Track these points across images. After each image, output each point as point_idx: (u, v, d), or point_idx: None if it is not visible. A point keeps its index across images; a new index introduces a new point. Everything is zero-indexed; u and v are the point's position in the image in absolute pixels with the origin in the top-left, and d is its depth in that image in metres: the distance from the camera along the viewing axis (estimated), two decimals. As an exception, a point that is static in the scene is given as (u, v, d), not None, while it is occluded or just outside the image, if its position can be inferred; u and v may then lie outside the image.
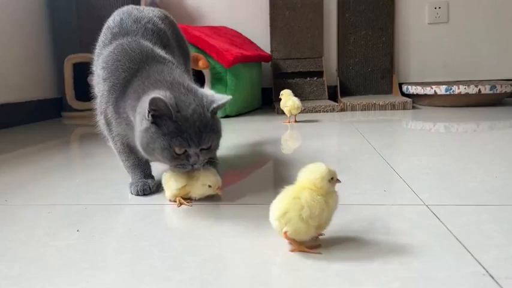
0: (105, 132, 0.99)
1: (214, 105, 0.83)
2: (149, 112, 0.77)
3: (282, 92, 1.98)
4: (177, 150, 0.79)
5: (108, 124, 0.95)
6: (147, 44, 0.94)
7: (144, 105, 0.79)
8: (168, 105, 0.76)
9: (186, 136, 0.78)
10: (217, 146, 0.86)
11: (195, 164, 0.81)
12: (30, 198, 0.98)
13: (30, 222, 0.81)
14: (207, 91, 0.88)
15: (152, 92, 0.79)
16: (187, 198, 0.87)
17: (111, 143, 0.99)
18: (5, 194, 1.01)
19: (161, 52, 0.94)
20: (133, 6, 1.12)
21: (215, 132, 0.83)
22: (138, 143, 0.83)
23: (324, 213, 0.61)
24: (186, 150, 0.80)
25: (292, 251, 0.63)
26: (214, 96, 0.85)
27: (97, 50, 1.05)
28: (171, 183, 0.86)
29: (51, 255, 0.66)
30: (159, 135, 0.78)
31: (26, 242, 0.72)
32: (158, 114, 0.78)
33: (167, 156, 0.79)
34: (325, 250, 0.63)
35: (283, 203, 0.62)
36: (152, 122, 0.78)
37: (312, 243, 0.64)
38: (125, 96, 0.87)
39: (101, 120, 0.98)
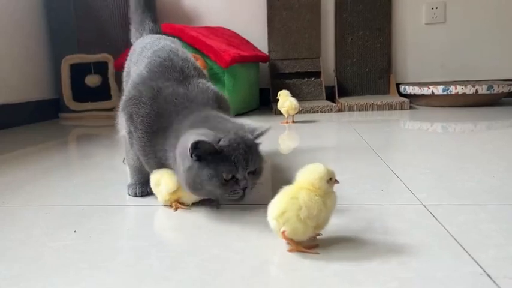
0: (125, 140, 0.96)
1: (257, 131, 0.82)
2: (192, 153, 0.75)
3: (279, 93, 1.98)
4: (225, 176, 0.75)
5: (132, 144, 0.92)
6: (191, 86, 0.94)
7: (185, 145, 0.77)
8: (210, 143, 0.74)
9: (233, 159, 0.76)
10: (262, 170, 0.83)
11: (246, 187, 0.78)
12: (28, 198, 0.97)
13: (28, 223, 0.81)
14: (244, 121, 0.87)
15: (191, 133, 0.77)
16: (180, 203, 0.86)
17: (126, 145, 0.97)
18: (3, 194, 1.01)
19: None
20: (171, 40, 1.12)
21: (259, 156, 0.82)
22: (183, 183, 0.80)
23: (321, 213, 0.62)
24: (233, 176, 0.77)
25: (290, 251, 0.63)
26: (253, 124, 0.85)
27: (132, 66, 1.06)
28: (161, 188, 0.84)
29: (49, 255, 0.66)
30: (204, 167, 0.76)
31: (25, 242, 0.72)
32: (201, 153, 0.76)
33: (216, 184, 0.75)
34: (323, 250, 0.63)
35: (281, 203, 0.62)
36: (196, 160, 0.76)
37: (310, 243, 0.64)
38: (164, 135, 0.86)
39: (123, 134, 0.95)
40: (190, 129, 0.80)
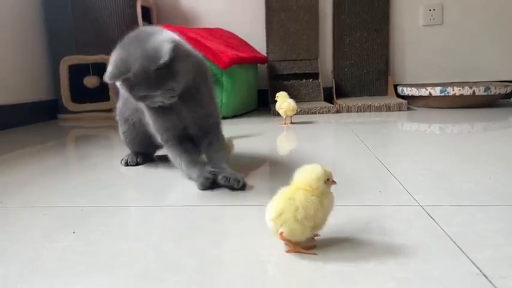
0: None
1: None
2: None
3: (277, 94, 1.99)
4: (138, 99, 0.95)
5: None
6: None
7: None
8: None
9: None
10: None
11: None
12: (27, 199, 0.97)
13: (26, 224, 0.81)
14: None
15: None
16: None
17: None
18: (1, 195, 1.01)
19: None
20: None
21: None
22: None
23: (319, 213, 0.62)
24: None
25: (287, 251, 0.63)
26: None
27: None
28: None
29: (47, 256, 0.66)
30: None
31: (23, 243, 0.72)
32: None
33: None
34: (321, 251, 0.63)
35: (278, 204, 0.63)
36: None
37: (308, 243, 0.65)
38: None
39: None
40: None
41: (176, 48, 0.89)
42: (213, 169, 0.99)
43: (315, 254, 0.62)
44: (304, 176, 0.64)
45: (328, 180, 0.64)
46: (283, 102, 1.95)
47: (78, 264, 0.63)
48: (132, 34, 0.97)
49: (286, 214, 0.61)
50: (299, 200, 0.61)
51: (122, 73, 0.89)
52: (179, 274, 0.58)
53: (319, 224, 0.64)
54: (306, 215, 0.61)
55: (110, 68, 0.89)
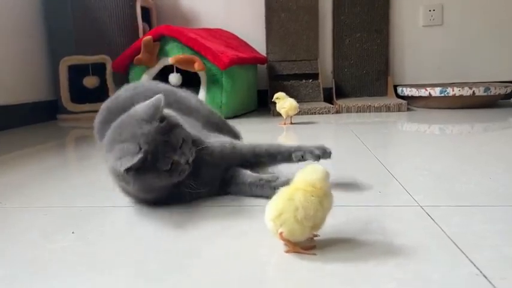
0: None
1: (151, 112, 0.80)
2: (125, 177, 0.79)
3: (276, 95, 1.96)
4: (165, 167, 0.78)
5: None
6: None
7: (115, 172, 0.81)
8: (137, 162, 0.75)
9: (161, 151, 0.78)
10: (185, 132, 0.83)
11: (187, 159, 0.81)
12: (26, 200, 0.97)
13: (25, 225, 0.81)
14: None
15: (113, 158, 0.80)
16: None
17: None
18: (0, 196, 1.01)
19: None
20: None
21: (175, 126, 0.82)
22: (141, 195, 0.86)
23: (318, 213, 0.62)
24: (172, 161, 0.79)
25: (287, 252, 0.63)
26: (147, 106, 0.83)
27: None
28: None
29: (47, 257, 0.66)
30: (144, 173, 0.78)
31: (21, 244, 0.72)
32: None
33: (165, 177, 0.80)
34: (320, 251, 0.63)
35: (278, 204, 0.63)
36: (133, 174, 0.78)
37: (307, 244, 0.65)
38: None
39: None
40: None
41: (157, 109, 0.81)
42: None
43: (314, 254, 0.62)
44: (307, 177, 0.64)
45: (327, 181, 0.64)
46: (285, 102, 1.93)
47: (78, 265, 0.63)
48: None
49: (285, 214, 0.61)
50: (299, 200, 0.61)
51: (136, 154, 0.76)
52: (179, 274, 0.58)
53: (318, 224, 0.63)
54: (305, 215, 0.61)
55: (122, 162, 0.76)
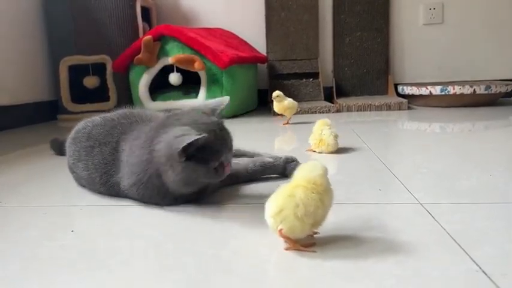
0: None
1: (217, 109, 0.86)
2: (182, 157, 0.75)
3: (276, 94, 1.91)
4: (215, 165, 0.79)
5: None
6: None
7: (169, 151, 0.76)
8: (197, 141, 0.74)
9: (218, 148, 0.79)
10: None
11: (228, 163, 0.82)
12: (26, 199, 0.97)
13: (25, 223, 0.81)
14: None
15: (172, 135, 0.77)
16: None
17: None
18: (0, 195, 1.01)
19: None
20: None
21: (229, 132, 0.85)
22: (175, 185, 0.81)
23: (319, 210, 0.61)
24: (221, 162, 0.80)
25: (287, 249, 0.63)
26: (209, 103, 0.88)
27: None
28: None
29: (46, 255, 0.66)
30: (195, 165, 0.77)
31: (21, 242, 0.72)
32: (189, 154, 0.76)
33: (209, 175, 0.79)
34: (320, 248, 0.63)
35: (278, 200, 0.62)
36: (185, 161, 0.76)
37: (307, 241, 0.64)
38: None
39: None
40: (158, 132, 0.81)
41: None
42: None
43: (314, 251, 0.62)
44: (307, 174, 0.63)
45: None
46: (284, 100, 1.90)
47: (77, 263, 0.63)
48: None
49: (286, 211, 0.61)
50: (299, 197, 0.61)
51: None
52: (178, 273, 0.58)
53: (319, 221, 0.63)
54: (306, 212, 0.60)
55: (182, 139, 0.74)
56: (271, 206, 0.63)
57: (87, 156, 0.94)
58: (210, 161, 0.77)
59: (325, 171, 0.64)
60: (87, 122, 1.02)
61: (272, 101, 1.99)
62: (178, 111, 0.87)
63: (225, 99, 0.86)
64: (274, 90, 2.11)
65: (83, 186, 1.00)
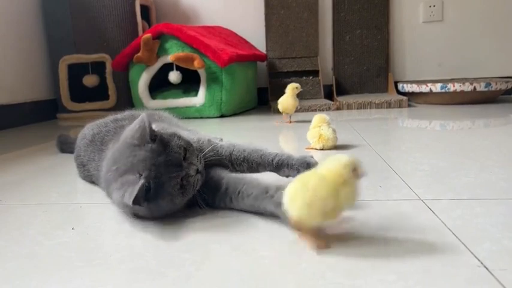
0: None
1: (140, 135, 0.75)
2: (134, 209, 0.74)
3: (294, 85, 1.84)
4: (177, 189, 0.73)
5: None
6: None
7: (123, 204, 0.74)
8: (140, 195, 0.70)
9: (166, 175, 0.72)
10: (185, 142, 0.78)
11: (197, 169, 0.76)
12: (25, 197, 0.97)
13: (25, 221, 0.81)
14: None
15: (119, 190, 0.74)
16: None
17: None
18: (0, 193, 1.01)
19: None
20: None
21: (172, 141, 0.76)
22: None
23: (330, 200, 0.59)
24: (181, 178, 0.74)
25: (298, 237, 0.63)
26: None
27: None
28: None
29: (45, 253, 0.66)
30: (154, 201, 0.73)
31: (21, 240, 0.72)
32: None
33: (179, 197, 0.74)
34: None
35: (291, 188, 0.62)
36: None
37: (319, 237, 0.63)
38: None
39: None
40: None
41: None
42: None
43: (329, 247, 0.61)
44: (329, 163, 0.62)
45: (355, 171, 0.61)
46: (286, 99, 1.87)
47: (77, 260, 0.62)
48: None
49: (297, 197, 0.60)
50: (311, 183, 0.60)
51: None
52: (178, 269, 0.58)
53: (329, 212, 0.60)
54: (315, 198, 0.59)
55: (127, 195, 0.70)
56: (286, 192, 0.62)
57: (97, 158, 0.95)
58: (169, 191, 0.72)
59: (350, 164, 0.61)
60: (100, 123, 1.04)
61: (272, 99, 1.97)
62: (112, 153, 0.79)
63: (142, 120, 0.75)
64: (274, 88, 2.09)
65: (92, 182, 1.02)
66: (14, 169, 1.28)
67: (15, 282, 0.57)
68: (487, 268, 0.53)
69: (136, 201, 0.68)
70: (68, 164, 1.35)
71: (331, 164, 0.61)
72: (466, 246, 0.59)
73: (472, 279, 0.51)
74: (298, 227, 0.62)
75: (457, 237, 0.63)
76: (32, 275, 0.59)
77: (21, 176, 1.19)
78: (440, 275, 0.52)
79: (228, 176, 0.81)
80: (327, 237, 0.65)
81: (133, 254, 0.64)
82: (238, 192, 0.77)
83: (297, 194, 0.60)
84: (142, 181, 0.69)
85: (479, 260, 0.55)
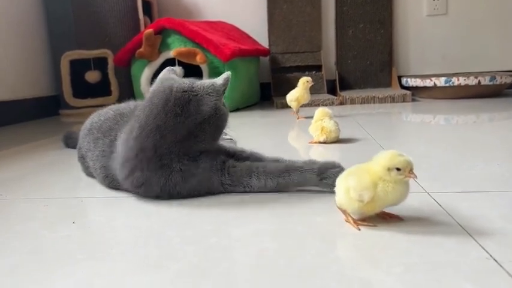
0: None
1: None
2: None
3: (306, 79, 1.83)
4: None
5: None
6: None
7: None
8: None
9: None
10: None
11: None
12: (27, 192, 0.96)
13: (26, 215, 0.80)
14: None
15: None
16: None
17: None
18: (2, 188, 1.00)
19: None
20: None
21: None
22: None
23: (367, 191, 0.61)
24: None
25: (346, 220, 0.66)
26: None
27: None
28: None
29: (47, 246, 0.65)
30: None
31: (22, 234, 0.71)
32: None
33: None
34: (325, 238, 0.62)
35: (342, 176, 0.67)
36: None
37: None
38: None
39: None
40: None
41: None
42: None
43: (371, 225, 0.65)
44: (382, 157, 0.63)
45: (399, 170, 0.61)
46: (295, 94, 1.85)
47: (78, 254, 0.62)
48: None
49: (341, 182, 0.65)
50: (355, 172, 0.64)
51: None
52: (180, 262, 0.57)
53: (367, 203, 0.62)
54: (352, 185, 0.62)
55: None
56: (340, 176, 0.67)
57: (95, 147, 0.95)
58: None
59: (395, 161, 0.61)
60: (101, 113, 1.06)
61: (275, 94, 1.96)
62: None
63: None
64: (277, 83, 2.07)
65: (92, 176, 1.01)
66: (15, 165, 1.27)
67: (17, 275, 0.56)
68: (496, 260, 0.52)
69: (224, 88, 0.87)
70: (70, 159, 1.35)
71: (380, 157, 0.64)
72: (474, 239, 0.58)
73: (481, 272, 0.50)
74: (344, 211, 0.66)
75: (464, 229, 0.62)
76: (34, 268, 0.58)
77: (23, 170, 1.18)
78: (448, 268, 0.51)
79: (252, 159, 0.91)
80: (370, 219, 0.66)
81: (135, 247, 0.63)
82: (266, 169, 0.83)
83: (342, 179, 0.66)
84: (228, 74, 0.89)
85: (487, 253, 0.54)
